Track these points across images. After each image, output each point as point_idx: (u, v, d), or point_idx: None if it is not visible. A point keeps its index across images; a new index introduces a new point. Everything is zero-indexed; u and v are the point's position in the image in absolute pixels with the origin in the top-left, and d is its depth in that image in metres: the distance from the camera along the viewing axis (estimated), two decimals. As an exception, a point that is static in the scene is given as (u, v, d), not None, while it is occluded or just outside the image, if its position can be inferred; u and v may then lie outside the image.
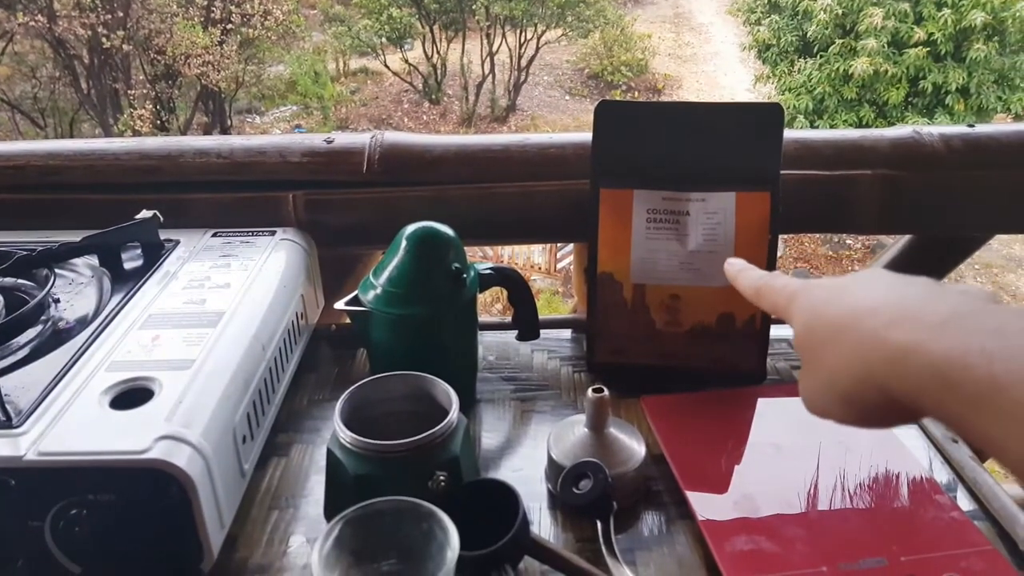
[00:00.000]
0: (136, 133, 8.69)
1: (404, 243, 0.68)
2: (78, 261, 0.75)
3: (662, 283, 0.75)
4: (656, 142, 0.75)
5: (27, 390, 0.56)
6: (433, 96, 11.82)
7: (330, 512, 0.59)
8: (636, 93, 12.85)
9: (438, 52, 11.68)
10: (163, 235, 0.78)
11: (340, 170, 0.85)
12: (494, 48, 11.46)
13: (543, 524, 0.61)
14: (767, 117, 0.74)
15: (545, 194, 0.84)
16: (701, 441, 0.68)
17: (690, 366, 0.77)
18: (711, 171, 0.74)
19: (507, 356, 0.83)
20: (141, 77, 9.74)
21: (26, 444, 0.50)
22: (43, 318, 0.66)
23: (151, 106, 9.39)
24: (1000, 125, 0.91)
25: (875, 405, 0.36)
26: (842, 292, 0.40)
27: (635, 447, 0.63)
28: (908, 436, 0.70)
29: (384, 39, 11.46)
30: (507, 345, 0.84)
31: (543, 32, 11.67)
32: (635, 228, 0.75)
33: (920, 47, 7.86)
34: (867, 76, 7.94)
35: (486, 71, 11.59)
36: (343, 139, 0.87)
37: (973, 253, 0.98)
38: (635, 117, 0.76)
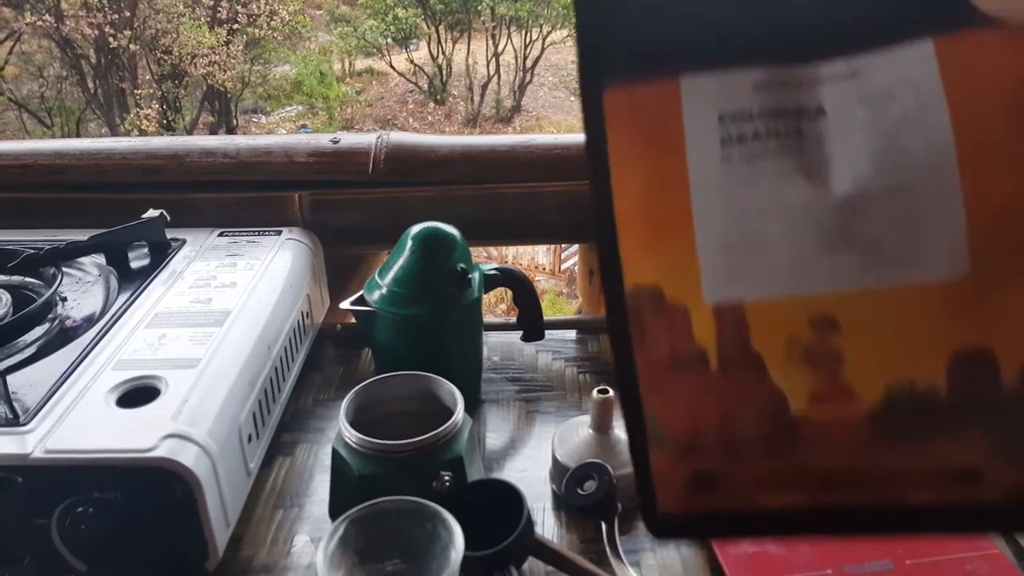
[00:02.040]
0: (142, 132, 8.72)
1: (409, 243, 0.69)
2: (85, 260, 0.76)
3: (785, 294, 0.30)
4: None
5: (34, 388, 0.56)
6: (438, 97, 11.84)
7: (335, 511, 0.59)
8: (641, 94, 12.81)
9: (443, 53, 11.70)
10: (169, 234, 0.79)
11: (346, 170, 0.85)
12: (499, 49, 11.47)
13: (547, 525, 0.61)
14: None
15: (550, 195, 0.84)
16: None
17: (891, 503, 0.31)
18: (858, 3, 0.31)
19: (512, 356, 0.83)
20: (147, 77, 9.78)
21: (33, 442, 0.51)
22: (50, 316, 0.66)
23: (157, 106, 9.43)
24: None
25: None
26: None
27: (639, 448, 0.63)
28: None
29: (389, 39, 11.47)
30: (512, 345, 0.84)
31: (548, 33, 11.67)
32: (696, 167, 0.31)
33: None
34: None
35: (491, 72, 11.59)
36: (349, 139, 0.87)
37: None
38: None
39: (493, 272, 0.74)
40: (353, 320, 0.72)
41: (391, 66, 11.96)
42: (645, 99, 0.32)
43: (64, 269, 0.72)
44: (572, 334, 0.87)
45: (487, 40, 11.76)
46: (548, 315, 0.82)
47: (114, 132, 9.19)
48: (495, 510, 0.54)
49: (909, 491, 0.30)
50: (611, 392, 0.62)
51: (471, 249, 0.72)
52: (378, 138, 0.86)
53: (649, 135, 0.32)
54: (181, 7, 9.26)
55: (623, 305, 0.32)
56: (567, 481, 0.59)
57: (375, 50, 11.99)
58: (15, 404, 0.54)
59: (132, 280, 0.72)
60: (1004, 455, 0.29)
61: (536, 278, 7.43)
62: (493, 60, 11.70)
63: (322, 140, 0.87)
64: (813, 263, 0.30)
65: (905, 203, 0.29)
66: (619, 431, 0.64)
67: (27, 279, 0.71)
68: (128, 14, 9.09)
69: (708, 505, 0.32)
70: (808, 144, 0.30)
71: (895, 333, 0.30)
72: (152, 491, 0.50)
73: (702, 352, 0.31)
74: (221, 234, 0.81)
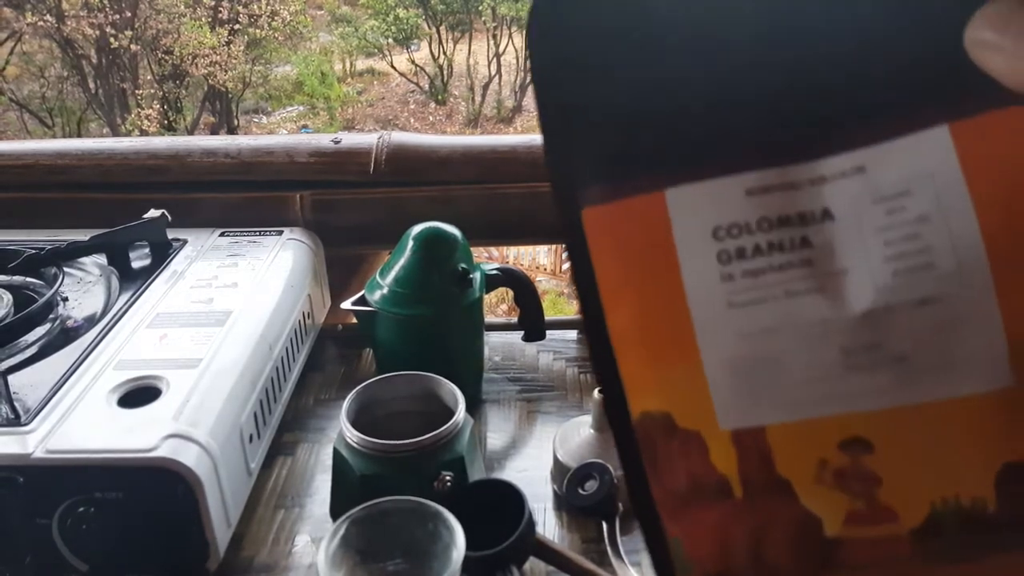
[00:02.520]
0: (143, 133, 8.72)
1: (410, 243, 0.69)
2: (86, 260, 0.76)
3: (809, 417, 0.27)
4: (701, 55, 0.27)
5: (35, 388, 0.56)
6: (439, 97, 11.84)
7: (336, 511, 0.60)
8: (642, 94, 12.80)
9: (444, 53, 11.70)
10: (171, 234, 0.79)
11: (347, 170, 0.85)
12: (500, 49, 11.47)
13: (548, 525, 0.61)
14: None
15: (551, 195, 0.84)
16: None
17: None
18: (860, 90, 0.27)
19: (513, 357, 0.83)
20: (148, 77, 9.78)
21: (34, 442, 0.51)
22: (51, 316, 0.66)
23: (158, 106, 9.43)
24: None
25: None
26: None
27: (641, 448, 0.63)
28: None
29: (390, 40, 11.47)
30: (513, 346, 0.84)
31: (550, 33, 11.64)
32: (693, 286, 0.28)
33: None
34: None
35: (492, 72, 11.59)
36: (350, 139, 0.87)
37: None
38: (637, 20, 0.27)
39: (494, 272, 0.74)
40: (354, 320, 0.72)
41: (392, 66, 11.96)
42: (629, 215, 0.29)
43: (65, 269, 0.72)
44: (573, 334, 0.87)
45: (488, 40, 11.75)
46: (549, 315, 0.82)
47: (115, 132, 9.19)
48: (496, 510, 0.54)
49: None
50: (612, 392, 0.62)
51: (472, 249, 0.72)
52: (379, 138, 0.86)
53: (637, 253, 0.29)
54: (182, 7, 9.26)
55: (631, 434, 0.29)
56: (568, 481, 0.59)
57: (376, 50, 11.99)
58: (16, 404, 0.54)
59: (133, 280, 0.72)
60: None
61: (537, 278, 7.42)
62: (494, 60, 11.70)
63: (323, 140, 0.87)
64: (836, 383, 0.27)
65: (935, 315, 0.26)
66: (620, 431, 0.64)
67: (28, 279, 0.71)
68: (129, 14, 9.09)
69: None
70: (818, 255, 0.27)
71: (935, 450, 0.27)
72: (153, 491, 0.50)
73: (724, 480, 0.28)
74: (222, 234, 0.81)
